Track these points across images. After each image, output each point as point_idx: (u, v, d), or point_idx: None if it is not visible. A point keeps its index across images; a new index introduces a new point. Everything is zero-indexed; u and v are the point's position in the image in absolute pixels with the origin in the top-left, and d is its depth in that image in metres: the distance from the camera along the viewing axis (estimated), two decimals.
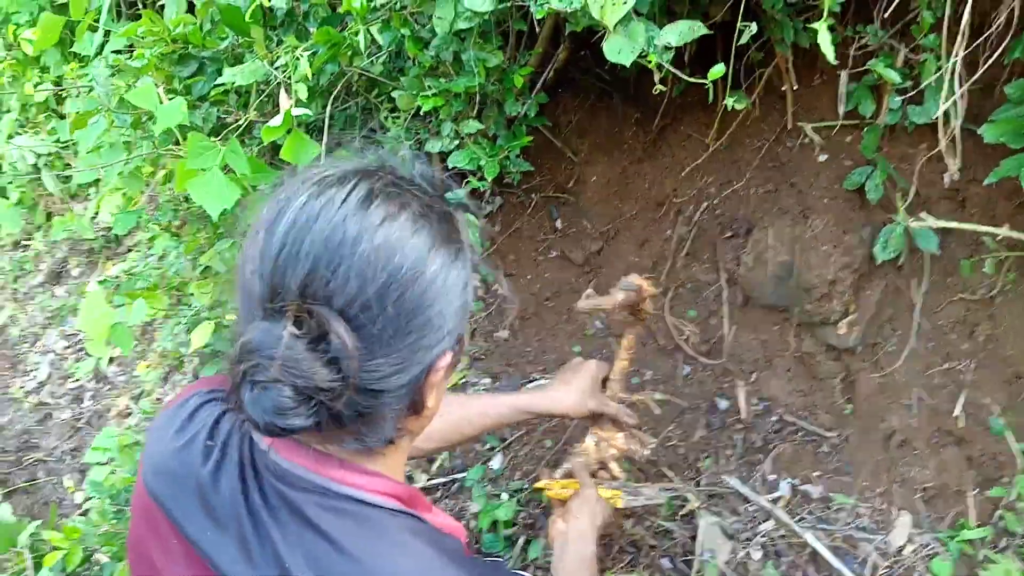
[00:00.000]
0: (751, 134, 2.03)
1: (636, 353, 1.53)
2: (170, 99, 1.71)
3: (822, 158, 1.86)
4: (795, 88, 1.79)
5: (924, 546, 1.68)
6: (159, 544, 0.83)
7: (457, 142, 1.72)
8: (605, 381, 1.50)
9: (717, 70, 1.29)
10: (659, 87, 1.31)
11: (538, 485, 1.43)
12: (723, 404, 1.98)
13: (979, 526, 1.66)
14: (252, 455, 0.81)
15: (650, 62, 1.31)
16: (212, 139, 1.63)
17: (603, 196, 2.28)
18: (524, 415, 1.43)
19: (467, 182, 1.78)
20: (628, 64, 1.27)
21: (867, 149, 1.69)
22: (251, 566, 0.76)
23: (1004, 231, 1.51)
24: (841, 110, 1.59)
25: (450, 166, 1.71)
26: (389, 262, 0.70)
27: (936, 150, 1.65)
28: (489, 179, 1.71)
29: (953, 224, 1.54)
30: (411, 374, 0.73)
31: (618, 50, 1.29)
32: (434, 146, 1.70)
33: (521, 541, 1.90)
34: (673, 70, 1.34)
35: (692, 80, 1.35)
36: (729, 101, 1.54)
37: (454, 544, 0.81)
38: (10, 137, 3.50)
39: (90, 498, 2.00)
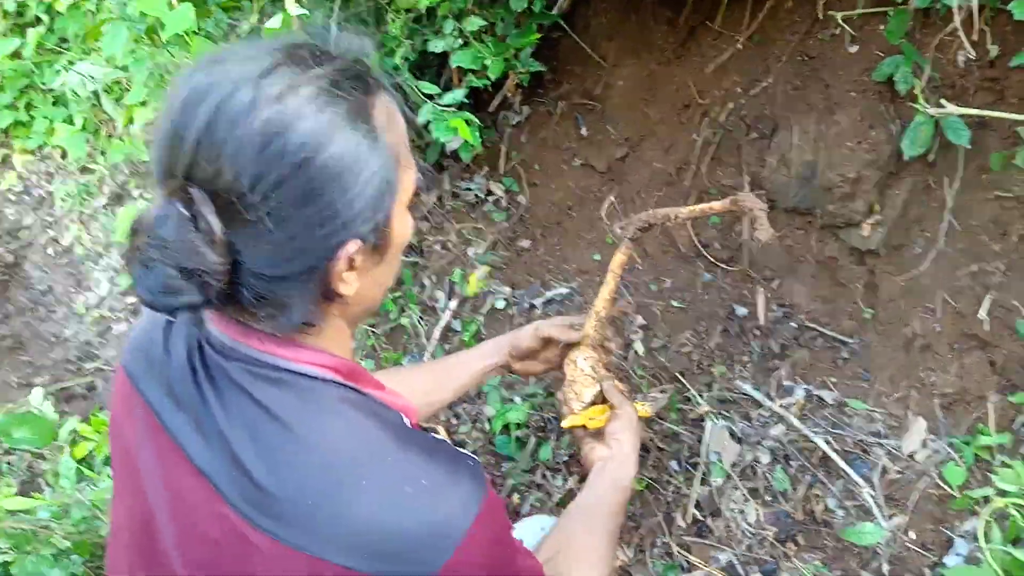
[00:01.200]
0: (782, 28, 1.93)
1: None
2: (179, 5, 1.74)
3: (852, 49, 1.76)
4: None
5: (937, 451, 1.63)
6: (130, 420, 0.87)
7: (461, 41, 1.69)
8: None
9: None
10: None
11: (566, 424, 1.40)
12: (741, 311, 1.94)
13: (998, 432, 1.60)
14: (198, 328, 0.82)
15: None
16: (220, 44, 1.65)
17: (630, 101, 2.22)
18: (498, 361, 1.42)
19: (468, 80, 1.75)
20: None
21: (892, 35, 1.58)
22: (202, 437, 0.78)
23: None
24: None
25: (453, 65, 1.68)
26: (273, 143, 0.67)
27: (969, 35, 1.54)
28: (492, 77, 1.68)
29: (977, 111, 1.43)
30: (304, 263, 0.72)
31: None
32: (436, 45, 1.68)
33: (532, 442, 1.93)
34: None
35: None
36: None
37: (394, 417, 0.82)
38: (71, 64, 3.63)
39: None
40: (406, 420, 0.84)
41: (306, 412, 0.76)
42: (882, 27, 1.74)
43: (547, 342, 1.40)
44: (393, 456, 0.76)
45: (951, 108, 1.41)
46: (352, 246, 0.74)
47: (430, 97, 1.65)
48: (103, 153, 4.21)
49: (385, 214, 0.76)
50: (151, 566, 0.83)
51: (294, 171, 0.68)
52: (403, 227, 0.82)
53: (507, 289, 2.17)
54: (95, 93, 3.89)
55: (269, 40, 0.75)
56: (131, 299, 3.30)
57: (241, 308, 0.75)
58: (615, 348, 1.47)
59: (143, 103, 2.12)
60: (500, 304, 2.14)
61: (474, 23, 1.66)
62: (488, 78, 1.70)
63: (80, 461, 1.72)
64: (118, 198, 3.89)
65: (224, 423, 0.76)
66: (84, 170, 4.23)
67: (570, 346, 1.40)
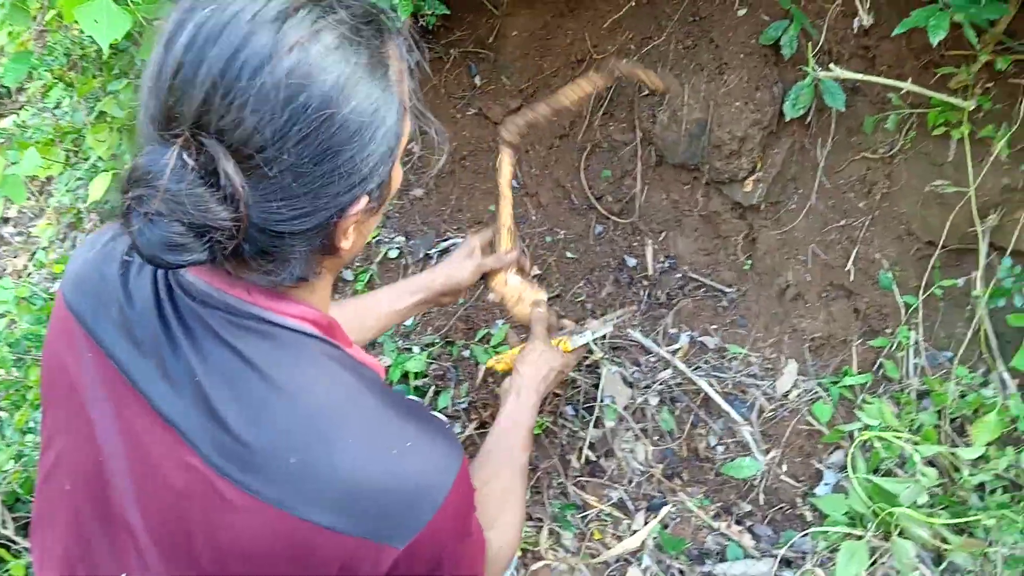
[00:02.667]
0: None
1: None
2: None
3: (741, 12, 1.84)
4: None
5: (808, 391, 1.79)
6: (75, 360, 0.79)
7: None
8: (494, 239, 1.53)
9: None
10: None
11: (489, 365, 1.45)
12: (631, 262, 2.02)
13: (860, 373, 1.77)
14: (166, 273, 0.77)
15: None
16: None
17: (524, 52, 2.22)
18: (426, 297, 1.43)
19: None
20: None
21: (784, 0, 1.68)
22: (170, 385, 0.72)
23: (907, 85, 1.53)
24: None
25: None
26: (295, 98, 0.62)
27: (847, 5, 1.66)
28: (403, 17, 1.63)
29: (859, 76, 1.55)
30: (316, 220, 0.68)
31: None
32: None
33: (431, 392, 1.93)
34: None
35: None
36: None
37: (372, 374, 0.80)
38: None
39: None
40: (381, 378, 0.83)
41: (290, 365, 0.73)
42: None
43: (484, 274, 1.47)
44: (375, 414, 0.74)
45: (837, 71, 1.51)
46: (363, 202, 0.70)
47: None
48: None
49: (389, 167, 0.72)
50: (103, 515, 0.77)
51: (317, 126, 0.63)
52: (397, 178, 0.78)
53: (400, 238, 2.14)
54: None
55: None
56: None
57: (239, 261, 0.70)
58: (527, 266, 1.54)
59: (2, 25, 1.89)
60: (393, 253, 2.11)
61: None
62: (398, 17, 1.65)
63: None
64: None
65: (200, 372, 0.71)
66: None
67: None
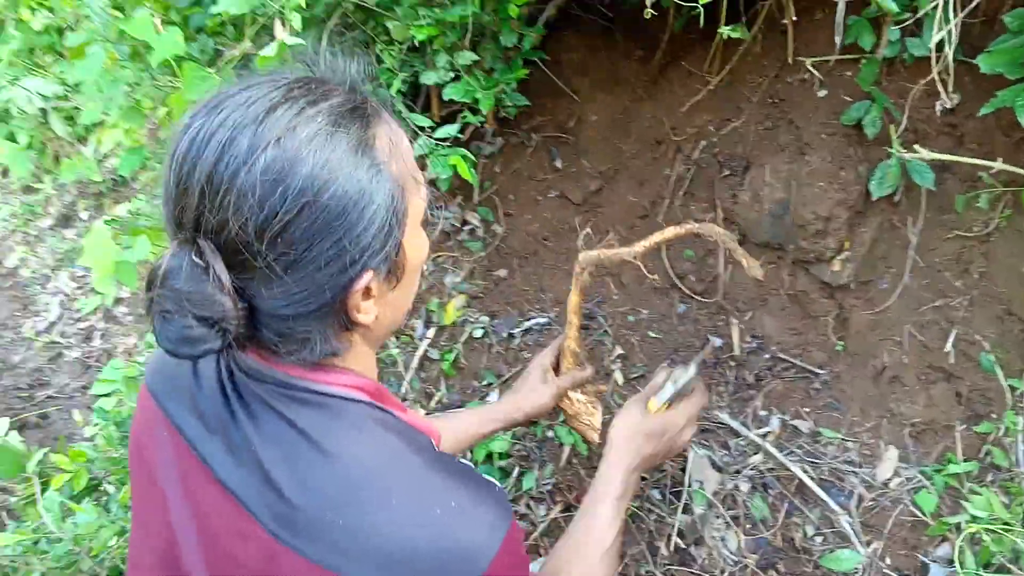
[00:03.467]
0: (751, 70, 2.01)
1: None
2: (167, 30, 1.72)
3: (821, 94, 1.85)
4: (794, 21, 1.76)
5: (910, 479, 1.71)
6: (152, 439, 0.86)
7: (453, 74, 1.71)
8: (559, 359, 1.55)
9: None
10: (649, 11, 1.30)
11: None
12: (717, 342, 2.00)
13: (965, 460, 1.68)
14: (227, 352, 0.83)
15: None
16: (208, 70, 1.64)
17: (603, 135, 2.27)
18: (510, 424, 1.48)
19: (463, 116, 1.78)
20: None
21: (864, 82, 1.67)
22: (232, 456, 0.78)
23: (998, 164, 1.50)
24: (838, 41, 1.57)
25: (445, 99, 1.71)
26: (272, 192, 0.67)
27: (931, 82, 1.64)
28: (484, 111, 1.71)
29: (946, 157, 1.52)
30: (318, 302, 0.73)
31: None
32: (429, 78, 1.70)
33: (516, 472, 1.94)
34: None
35: (683, 2, 1.33)
36: (724, 30, 1.53)
37: (423, 439, 0.83)
38: (16, 80, 3.51)
39: (97, 425, 2.05)
40: (434, 443, 0.86)
41: (335, 429, 0.77)
42: (848, 73, 1.83)
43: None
44: (421, 475, 0.77)
45: (923, 153, 1.49)
46: (365, 278, 0.74)
47: (421, 130, 1.67)
48: (49, 172, 4.07)
49: (396, 242, 0.76)
50: None
51: (298, 215, 0.68)
52: (416, 249, 0.83)
53: (485, 318, 2.19)
54: (42, 111, 3.76)
55: (266, 77, 0.74)
56: (84, 324, 3.19)
57: (263, 345, 0.76)
58: (590, 382, 1.56)
59: (114, 126, 2.07)
60: (478, 333, 2.15)
61: (466, 57, 1.68)
62: (482, 114, 1.73)
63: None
64: (66, 219, 3.77)
65: (257, 443, 0.77)
66: (28, 189, 4.09)
67: None
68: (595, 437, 1.54)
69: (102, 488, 1.97)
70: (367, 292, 0.77)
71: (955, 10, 1.33)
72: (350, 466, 0.75)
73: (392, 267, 0.78)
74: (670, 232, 1.39)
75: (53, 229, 3.76)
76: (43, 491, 1.89)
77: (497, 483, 0.85)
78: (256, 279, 0.70)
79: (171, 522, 0.83)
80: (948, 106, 1.36)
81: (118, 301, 3.20)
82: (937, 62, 1.36)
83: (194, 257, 0.67)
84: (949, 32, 1.33)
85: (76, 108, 3.63)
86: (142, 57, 1.83)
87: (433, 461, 0.80)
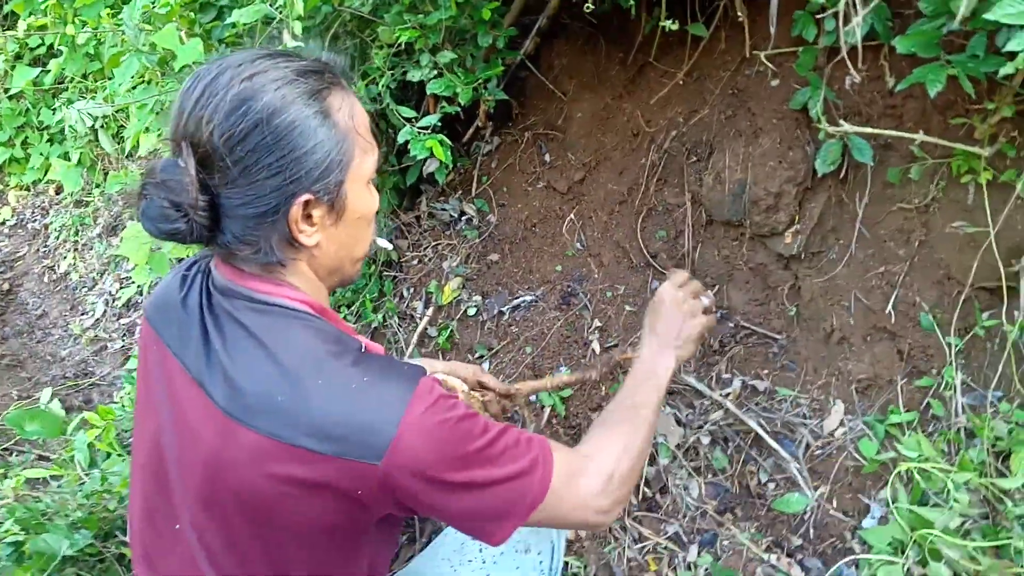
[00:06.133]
0: (716, 66, 2.20)
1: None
2: (190, 41, 1.98)
3: (774, 83, 2.02)
4: (750, 17, 1.95)
5: (855, 429, 1.85)
6: (148, 356, 1.10)
7: (436, 72, 1.94)
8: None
9: None
10: (589, 6, 1.50)
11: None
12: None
13: (906, 411, 1.82)
14: (207, 279, 1.06)
15: None
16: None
17: (587, 130, 2.48)
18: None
19: (441, 107, 2.00)
20: None
21: (801, 68, 1.85)
22: (202, 357, 1.00)
23: (920, 136, 1.66)
24: (772, 32, 1.75)
25: (428, 93, 1.93)
26: (237, 110, 0.90)
27: (871, 67, 1.82)
28: (463, 103, 1.93)
29: (868, 130, 1.69)
30: (262, 207, 0.94)
31: None
32: (414, 75, 1.93)
33: None
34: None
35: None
36: (691, 30, 1.72)
37: (352, 341, 1.03)
38: (69, 102, 3.85)
39: (125, 389, 2.29)
40: (363, 347, 1.04)
41: (277, 330, 0.98)
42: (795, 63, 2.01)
43: (480, 385, 1.59)
44: (344, 364, 0.96)
45: (847, 127, 1.66)
46: (303, 197, 0.95)
47: (408, 120, 1.89)
48: (98, 187, 4.42)
49: (337, 179, 0.98)
50: (159, 474, 1.04)
51: (253, 129, 0.90)
52: (361, 199, 1.04)
53: (478, 298, 2.39)
54: (92, 129, 4.11)
55: (260, 48, 1.00)
56: (125, 320, 3.48)
57: (229, 252, 0.98)
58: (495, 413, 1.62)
59: (147, 130, 2.34)
60: (472, 311, 2.36)
61: (446, 56, 1.91)
62: (459, 105, 1.95)
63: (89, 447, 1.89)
64: (112, 229, 4.09)
65: (219, 347, 0.98)
66: (79, 203, 4.44)
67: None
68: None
69: (129, 441, 2.21)
70: (308, 216, 0.98)
71: (861, 3, 1.51)
72: (287, 357, 0.95)
73: (333, 202, 0.99)
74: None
75: (101, 237, 4.09)
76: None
77: (418, 365, 1.03)
78: (217, 177, 0.92)
79: (157, 414, 1.05)
80: (857, 81, 1.53)
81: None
82: (844, 42, 1.54)
83: (175, 156, 0.91)
84: (857, 22, 1.51)
85: (122, 126, 3.97)
86: (169, 65, 2.09)
87: (356, 355, 0.99)
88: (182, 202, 0.90)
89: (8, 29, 4.38)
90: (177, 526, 1.03)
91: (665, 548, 1.87)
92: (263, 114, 0.90)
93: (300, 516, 0.94)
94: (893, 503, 1.66)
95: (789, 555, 1.79)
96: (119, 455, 1.88)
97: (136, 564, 1.13)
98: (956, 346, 1.81)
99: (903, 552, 1.59)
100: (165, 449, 1.04)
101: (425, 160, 2.04)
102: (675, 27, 1.58)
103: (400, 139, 1.86)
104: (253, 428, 0.92)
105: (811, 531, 1.80)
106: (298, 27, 1.82)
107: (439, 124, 1.86)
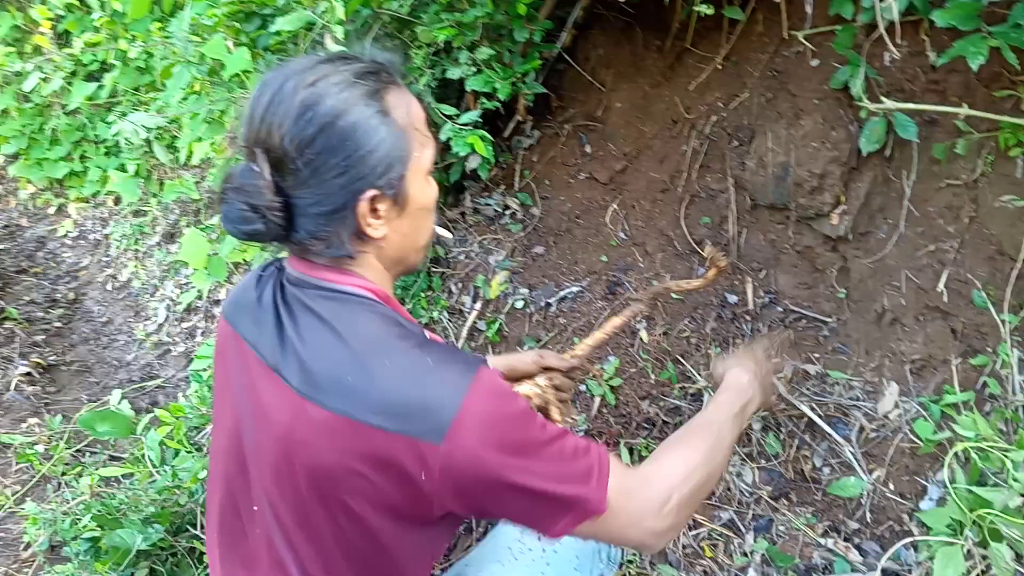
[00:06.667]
0: (754, 48, 2.19)
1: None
2: (238, 50, 2.05)
3: (814, 63, 2.00)
4: None
5: (908, 411, 1.83)
6: (226, 351, 1.16)
7: (475, 69, 1.97)
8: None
9: None
10: None
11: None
12: (732, 299, 2.17)
13: (962, 391, 1.80)
14: (281, 275, 1.13)
15: None
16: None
17: (626, 120, 2.48)
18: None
19: (481, 103, 2.03)
20: None
21: (840, 46, 1.83)
22: (277, 345, 1.06)
23: (964, 110, 1.63)
24: (808, 11, 1.74)
25: (468, 90, 1.96)
26: (303, 115, 0.96)
27: (912, 42, 1.79)
28: (502, 98, 1.95)
29: (909, 106, 1.67)
30: (332, 204, 0.99)
31: None
32: (454, 73, 1.96)
33: None
34: None
35: None
36: (728, 13, 1.72)
37: (415, 328, 1.08)
38: (123, 115, 3.99)
39: (194, 387, 2.38)
40: (425, 334, 1.09)
41: (345, 314, 1.03)
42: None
43: (545, 369, 1.56)
44: (408, 347, 1.01)
45: (889, 104, 1.64)
46: (369, 193, 1.01)
47: (449, 118, 1.93)
48: (155, 196, 4.57)
49: (399, 173, 1.03)
50: (238, 457, 1.10)
51: (319, 132, 0.96)
52: (422, 191, 1.09)
53: (525, 290, 2.42)
54: (147, 141, 4.24)
55: (318, 55, 1.05)
56: (187, 324, 3.60)
57: (303, 248, 1.04)
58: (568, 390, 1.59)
59: (199, 139, 2.42)
60: (519, 304, 2.39)
61: (484, 53, 1.94)
62: (499, 100, 1.98)
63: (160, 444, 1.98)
64: (170, 236, 4.23)
65: (293, 334, 1.04)
66: (137, 213, 4.59)
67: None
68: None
69: (197, 440, 2.30)
70: (375, 210, 1.03)
71: None
72: (355, 340, 1.00)
73: (396, 195, 1.04)
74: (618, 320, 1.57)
75: (160, 245, 4.23)
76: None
77: (480, 356, 1.07)
78: (290, 180, 0.98)
79: (235, 403, 1.11)
80: (896, 58, 1.51)
81: (215, 302, 3.60)
82: (881, 19, 1.52)
83: (249, 162, 0.98)
84: None
85: (175, 136, 4.10)
86: (218, 75, 2.17)
87: (420, 339, 1.04)
88: (259, 204, 0.97)
89: (63, 47, 4.56)
90: (255, 507, 1.10)
91: (720, 535, 1.88)
92: (328, 118, 0.96)
93: (365, 495, 0.99)
94: (951, 484, 1.64)
95: (846, 539, 1.78)
96: (188, 452, 1.96)
97: (212, 550, 1.19)
98: (1011, 323, 1.77)
99: (962, 533, 1.57)
100: (244, 434, 1.10)
101: (467, 156, 2.07)
102: (710, 12, 1.58)
103: (442, 137, 1.89)
104: (324, 406, 0.98)
105: (868, 515, 1.78)
106: (339, 31, 1.87)
107: (480, 120, 1.89)
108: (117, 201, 4.89)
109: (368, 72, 1.02)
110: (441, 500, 0.99)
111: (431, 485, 0.96)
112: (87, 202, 5.11)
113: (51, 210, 5.21)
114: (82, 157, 4.93)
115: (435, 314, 2.47)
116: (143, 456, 2.13)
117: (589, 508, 1.01)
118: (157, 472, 1.86)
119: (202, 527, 1.91)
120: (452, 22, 1.86)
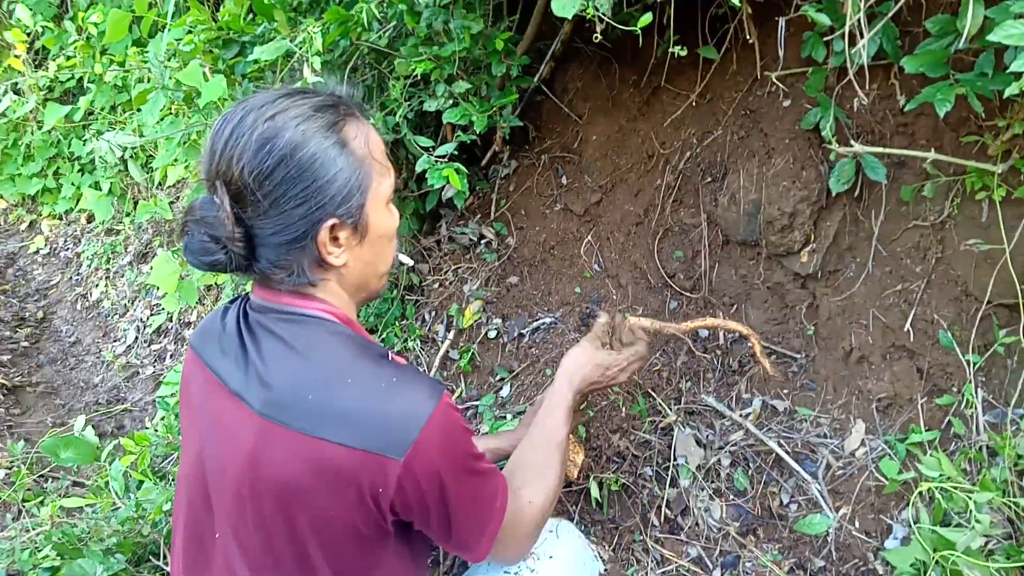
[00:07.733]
0: (728, 87, 2.22)
1: None
2: (214, 77, 2.05)
3: (786, 103, 2.04)
4: (752, 39, 1.97)
5: (875, 449, 1.85)
6: (191, 380, 1.18)
7: (452, 101, 1.98)
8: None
9: (645, 18, 1.51)
10: (598, 36, 1.53)
11: None
12: (704, 333, 2.18)
13: (927, 430, 1.82)
14: (245, 303, 1.14)
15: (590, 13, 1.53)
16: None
17: (602, 153, 2.50)
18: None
19: (457, 135, 2.04)
20: (569, 17, 1.50)
21: (811, 89, 1.87)
22: (240, 371, 1.07)
23: (931, 155, 1.66)
24: (781, 53, 1.77)
25: (445, 122, 1.97)
26: (262, 149, 0.98)
27: (883, 86, 1.83)
28: (479, 131, 1.97)
29: (878, 149, 1.70)
30: (293, 234, 1.01)
31: (562, 5, 1.52)
32: (431, 105, 1.97)
33: None
34: (613, 22, 1.56)
35: (624, 28, 1.56)
36: (702, 52, 1.74)
37: (377, 347, 1.10)
38: (99, 134, 3.96)
39: (160, 415, 2.35)
40: (388, 354, 1.11)
41: (305, 335, 1.05)
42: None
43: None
44: (370, 365, 1.03)
45: (857, 147, 1.67)
46: (329, 222, 1.03)
47: (426, 149, 1.93)
48: (128, 215, 4.53)
49: (358, 202, 1.05)
50: (201, 488, 1.10)
51: (279, 163, 0.98)
52: (382, 219, 1.11)
53: (498, 320, 2.42)
54: (122, 159, 4.21)
55: (280, 88, 1.08)
56: (156, 346, 3.56)
57: (266, 277, 1.06)
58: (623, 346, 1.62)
59: (175, 161, 2.41)
60: (492, 334, 2.39)
61: (461, 86, 1.95)
62: (475, 133, 1.99)
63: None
64: (142, 256, 4.19)
65: (256, 357, 1.05)
66: (109, 231, 4.54)
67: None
68: (574, 473, 1.76)
69: (162, 468, 2.27)
70: (335, 239, 1.06)
71: (867, 25, 1.53)
72: (316, 360, 1.03)
73: (356, 223, 1.07)
74: (709, 322, 1.74)
75: (131, 265, 4.18)
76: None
77: (439, 381, 1.10)
78: (250, 211, 1.00)
79: (200, 431, 1.12)
80: (864, 102, 1.54)
81: (186, 325, 3.56)
82: (851, 64, 1.55)
83: (211, 194, 0.99)
84: (864, 40, 1.53)
85: (151, 156, 4.08)
86: (195, 101, 2.16)
87: (380, 359, 1.06)
88: (220, 235, 0.99)
89: (39, 65, 4.52)
90: (217, 535, 1.10)
91: (688, 571, 1.87)
92: (286, 150, 0.98)
93: (325, 510, 1.00)
94: (915, 524, 1.66)
95: None
96: (153, 482, 1.93)
97: None
98: (976, 364, 1.80)
99: (926, 573, 1.58)
100: (207, 460, 1.10)
101: (443, 186, 2.08)
102: (684, 53, 1.60)
103: (418, 168, 1.90)
104: (287, 426, 0.99)
105: (833, 552, 1.79)
106: (317, 62, 1.87)
107: (456, 152, 1.90)
108: (90, 219, 4.84)
109: (326, 105, 1.05)
110: (395, 510, 1.03)
111: (386, 499, 1.00)
112: (60, 219, 5.05)
113: (23, 226, 5.15)
114: (56, 174, 4.88)
115: (409, 343, 2.47)
116: (106, 484, 2.09)
117: (500, 523, 1.13)
118: (121, 502, 1.83)
119: (165, 558, 1.87)
120: (430, 55, 1.87)
